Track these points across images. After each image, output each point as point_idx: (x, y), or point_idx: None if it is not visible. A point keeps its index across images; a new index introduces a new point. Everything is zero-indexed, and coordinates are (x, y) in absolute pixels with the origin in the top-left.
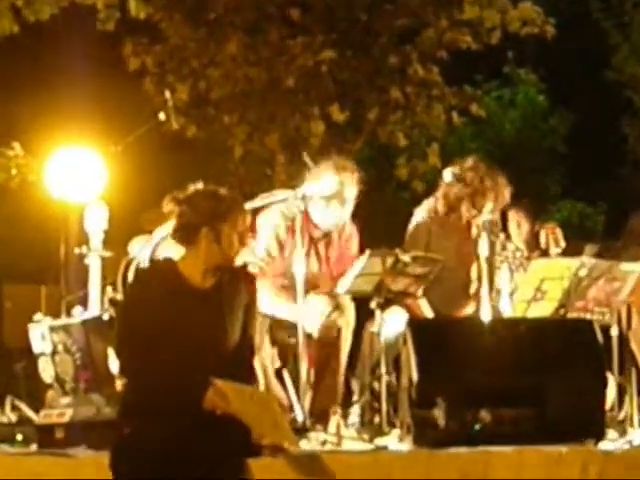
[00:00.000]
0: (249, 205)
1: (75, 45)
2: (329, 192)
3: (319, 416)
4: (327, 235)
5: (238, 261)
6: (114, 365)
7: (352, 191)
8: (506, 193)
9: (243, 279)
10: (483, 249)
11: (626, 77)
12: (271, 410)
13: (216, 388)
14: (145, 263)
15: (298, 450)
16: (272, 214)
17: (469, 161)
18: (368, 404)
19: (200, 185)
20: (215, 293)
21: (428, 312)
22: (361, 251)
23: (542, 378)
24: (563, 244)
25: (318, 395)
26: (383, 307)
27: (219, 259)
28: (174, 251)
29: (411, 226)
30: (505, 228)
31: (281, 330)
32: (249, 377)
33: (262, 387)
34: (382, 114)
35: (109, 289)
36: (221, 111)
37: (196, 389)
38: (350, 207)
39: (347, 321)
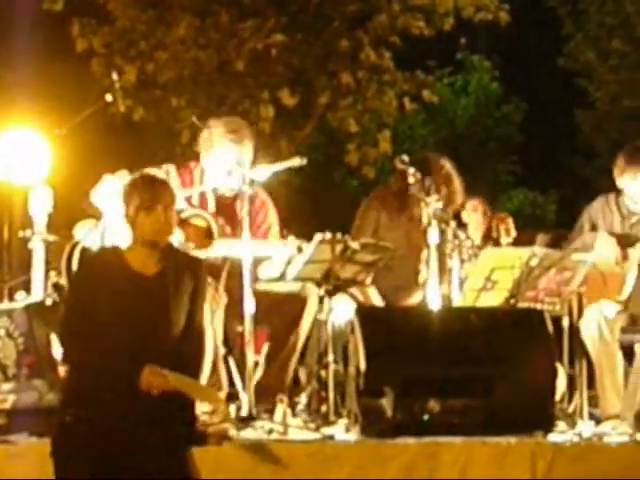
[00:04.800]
0: (195, 190)
1: (22, 25)
2: (228, 164)
3: (266, 404)
4: (234, 198)
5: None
6: (57, 351)
7: (249, 151)
8: (458, 199)
9: (189, 266)
10: (433, 237)
11: (580, 66)
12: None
13: (151, 368)
14: (93, 248)
15: (244, 439)
16: None
17: (429, 156)
18: (315, 393)
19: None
20: (160, 280)
21: (377, 300)
22: (287, 229)
23: (491, 368)
24: (514, 233)
25: (266, 379)
26: (331, 294)
27: (154, 239)
28: (121, 237)
29: (360, 213)
30: (459, 218)
31: (228, 317)
32: (195, 364)
33: (209, 372)
34: (333, 99)
35: (53, 274)
36: (169, 94)
37: (138, 378)
38: (246, 167)
39: (310, 305)
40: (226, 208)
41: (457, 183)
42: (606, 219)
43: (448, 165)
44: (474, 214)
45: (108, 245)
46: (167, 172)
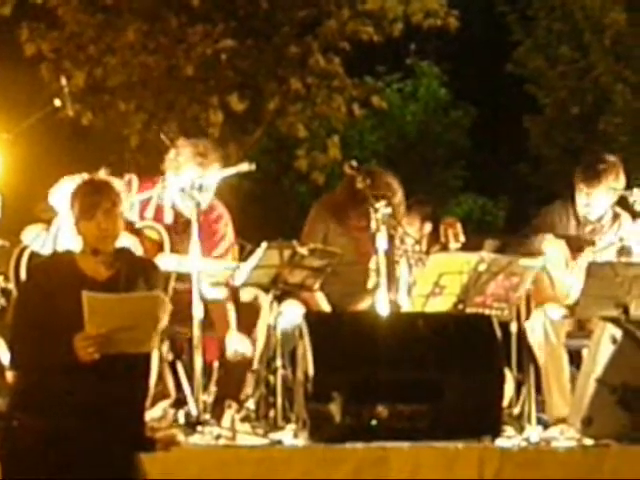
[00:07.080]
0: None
1: None
2: (190, 185)
3: (215, 410)
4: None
5: None
6: (4, 356)
7: (214, 175)
8: (401, 212)
9: (143, 270)
10: (382, 243)
11: (529, 72)
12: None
13: (79, 335)
14: (45, 253)
15: (192, 444)
16: None
17: (374, 169)
18: (263, 398)
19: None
20: (111, 285)
21: (325, 305)
22: (237, 234)
23: (439, 373)
24: (462, 239)
25: (223, 390)
26: (280, 299)
27: (96, 246)
28: (73, 241)
29: (309, 219)
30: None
31: (175, 322)
32: (144, 368)
33: (156, 377)
34: (282, 105)
35: (1, 279)
36: (117, 99)
37: (87, 383)
38: (211, 191)
39: (264, 314)
40: (183, 225)
41: (397, 200)
42: (562, 222)
43: (394, 185)
44: (410, 228)
45: (60, 249)
46: (129, 181)
